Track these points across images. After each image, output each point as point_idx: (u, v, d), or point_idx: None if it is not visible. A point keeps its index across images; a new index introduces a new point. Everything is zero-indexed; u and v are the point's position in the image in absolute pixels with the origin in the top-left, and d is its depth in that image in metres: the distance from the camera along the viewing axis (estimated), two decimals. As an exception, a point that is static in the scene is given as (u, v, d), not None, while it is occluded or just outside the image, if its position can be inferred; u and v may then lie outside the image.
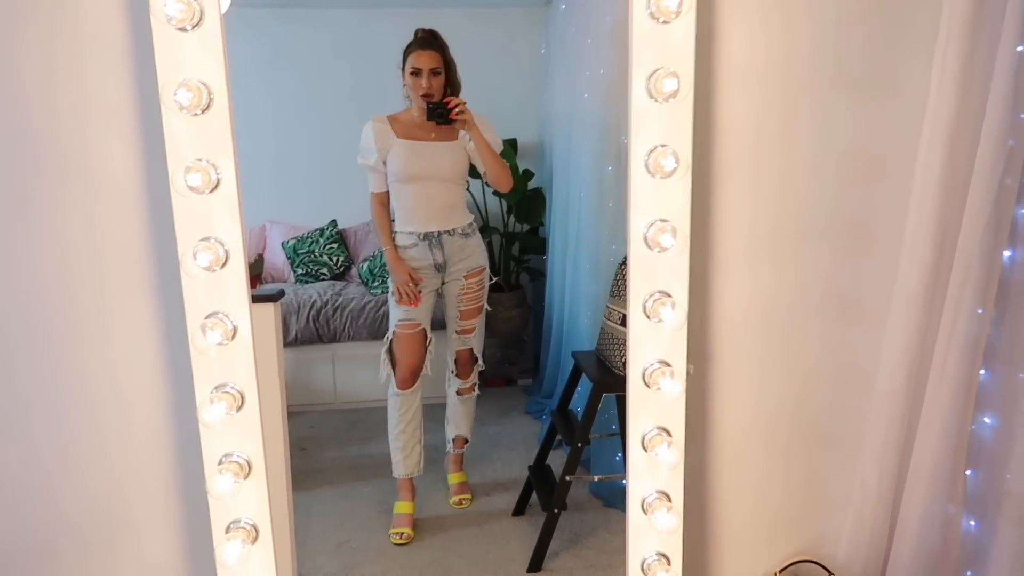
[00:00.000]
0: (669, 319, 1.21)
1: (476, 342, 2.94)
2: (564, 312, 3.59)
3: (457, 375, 2.99)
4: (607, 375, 2.32)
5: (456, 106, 2.46)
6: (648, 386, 1.24)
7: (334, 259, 4.21)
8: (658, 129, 1.18)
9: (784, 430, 1.39)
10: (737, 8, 1.17)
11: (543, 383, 3.83)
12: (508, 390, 4.17)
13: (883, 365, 1.38)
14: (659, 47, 1.16)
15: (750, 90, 1.22)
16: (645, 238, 1.22)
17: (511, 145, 4.25)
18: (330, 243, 4.22)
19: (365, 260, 4.13)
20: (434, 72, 2.57)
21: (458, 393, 3.02)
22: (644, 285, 1.25)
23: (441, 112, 2.43)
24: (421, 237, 2.84)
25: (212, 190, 1.16)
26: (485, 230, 3.96)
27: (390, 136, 2.71)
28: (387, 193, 2.94)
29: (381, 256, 4.10)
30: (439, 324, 3.00)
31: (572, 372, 2.62)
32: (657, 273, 1.25)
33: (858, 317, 1.34)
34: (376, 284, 3.97)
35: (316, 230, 4.30)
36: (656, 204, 1.21)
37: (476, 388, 3.02)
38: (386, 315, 3.88)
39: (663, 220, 1.19)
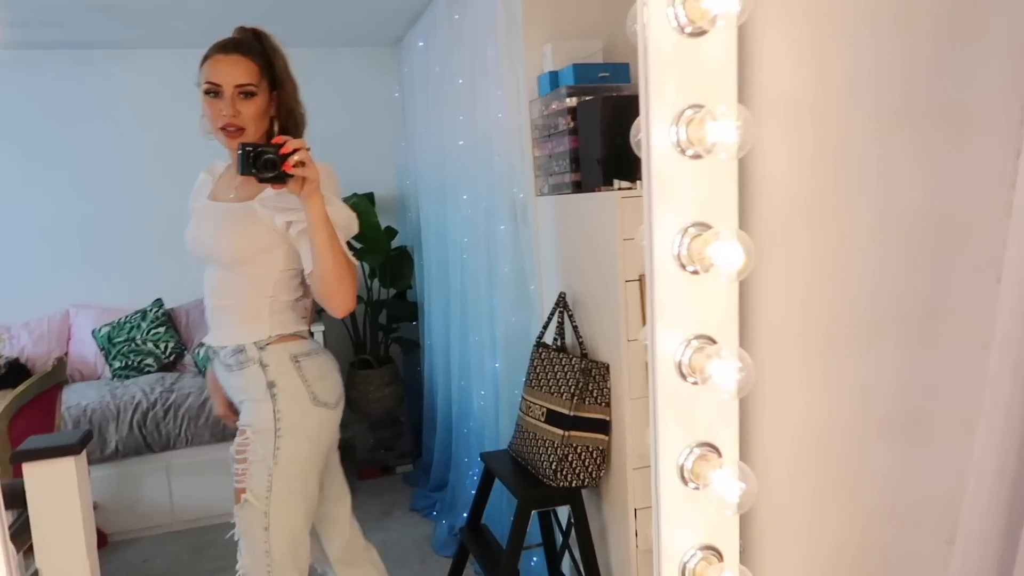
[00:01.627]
0: (719, 484, 0.79)
1: (245, 558, 1.67)
2: (451, 388, 3.10)
3: None
4: (535, 487, 1.86)
5: (293, 151, 1.37)
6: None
7: (161, 346, 3.48)
8: (692, 199, 0.76)
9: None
10: (773, 23, 0.78)
11: (430, 472, 3.31)
12: (386, 481, 3.61)
13: (968, 502, 1.03)
14: (689, 72, 0.74)
15: (794, 135, 0.82)
16: (679, 365, 0.79)
17: (368, 199, 3.73)
18: (155, 327, 3.49)
19: (201, 344, 3.44)
20: (243, 91, 1.54)
21: None
22: (678, 435, 0.81)
23: (270, 161, 1.36)
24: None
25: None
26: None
27: (204, 193, 1.75)
28: None
29: (221, 336, 3.40)
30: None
31: (483, 478, 2.14)
32: (697, 415, 0.81)
33: (931, 436, 0.97)
34: (218, 373, 3.30)
35: (137, 313, 3.55)
36: (692, 312, 0.79)
37: None
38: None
39: (705, 338, 0.78)
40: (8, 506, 1.45)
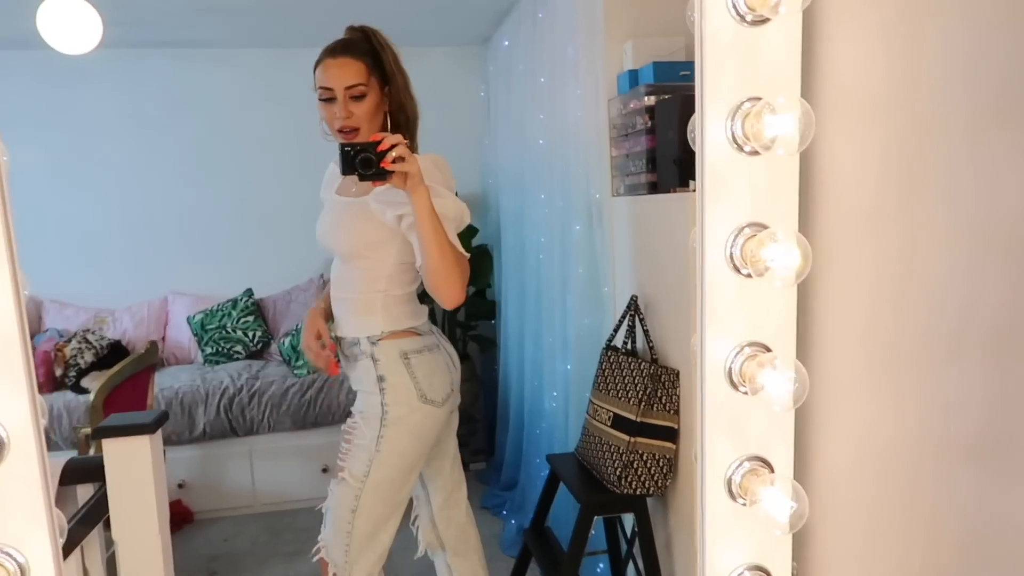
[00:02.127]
0: (769, 501, 0.74)
1: (328, 531, 1.68)
2: (524, 389, 3.10)
3: None
4: (598, 493, 1.83)
5: (391, 147, 1.38)
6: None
7: (250, 335, 3.62)
8: (748, 197, 0.72)
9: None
10: (841, 10, 0.72)
11: (502, 471, 3.31)
12: (458, 477, 3.62)
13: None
14: (748, 63, 0.70)
15: (862, 131, 0.76)
16: (730, 373, 0.75)
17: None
18: (245, 316, 3.64)
19: (287, 335, 3.56)
20: (354, 94, 1.56)
21: None
22: (727, 446, 0.77)
23: (367, 160, 1.38)
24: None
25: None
26: (427, 295, 3.44)
27: (332, 187, 1.73)
28: None
29: (306, 328, 3.49)
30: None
31: (548, 480, 2.12)
32: (748, 428, 0.77)
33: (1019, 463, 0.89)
34: (301, 363, 3.40)
35: (228, 301, 3.71)
36: (745, 318, 0.74)
37: None
38: (312, 400, 3.31)
39: (758, 345, 0.73)
40: (91, 479, 1.54)
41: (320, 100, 1.59)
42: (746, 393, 0.76)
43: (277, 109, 3.67)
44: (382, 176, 1.41)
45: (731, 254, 0.73)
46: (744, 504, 0.78)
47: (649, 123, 1.92)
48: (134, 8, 2.84)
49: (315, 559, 1.72)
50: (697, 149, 0.73)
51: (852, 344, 0.86)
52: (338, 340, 1.72)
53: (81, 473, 1.50)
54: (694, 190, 1.74)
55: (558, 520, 2.30)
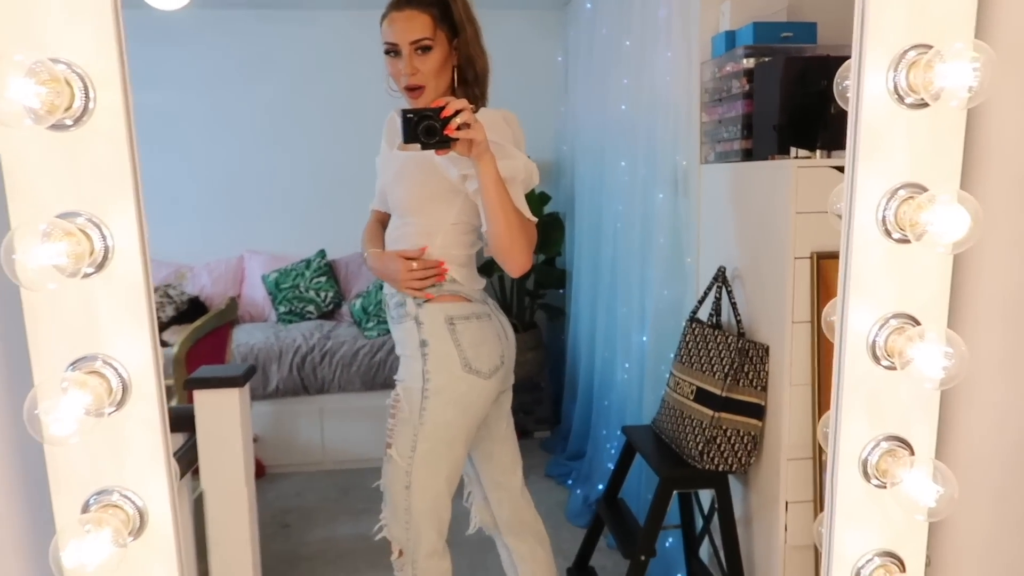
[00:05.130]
0: (911, 485, 0.69)
1: (387, 511, 1.67)
2: (594, 359, 3.05)
3: None
4: (678, 467, 1.78)
5: (455, 113, 1.31)
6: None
7: (322, 295, 3.66)
8: (906, 156, 0.66)
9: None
10: None
11: (568, 441, 3.29)
12: (524, 444, 3.60)
13: None
14: (915, 8, 0.64)
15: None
16: (873, 345, 0.70)
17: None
18: (317, 276, 3.68)
19: (358, 296, 3.59)
20: (419, 47, 1.47)
21: None
22: (864, 423, 0.72)
23: (430, 127, 1.31)
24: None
25: (95, 270, 0.62)
26: (493, 263, 3.43)
27: (393, 142, 1.64)
28: (387, 216, 1.77)
29: (377, 292, 3.53)
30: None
31: (623, 451, 2.08)
32: (889, 406, 0.72)
33: None
34: (371, 325, 3.43)
35: (302, 261, 3.76)
36: (895, 286, 0.69)
37: None
38: (382, 362, 3.34)
39: (905, 317, 0.68)
40: (180, 429, 1.57)
41: (386, 55, 1.52)
42: (890, 368, 0.70)
43: (357, 71, 3.65)
44: (446, 144, 1.34)
45: (883, 217, 0.67)
46: (879, 486, 0.73)
47: (747, 87, 1.83)
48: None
49: (378, 538, 1.68)
50: (851, 103, 0.67)
51: (1000, 322, 0.79)
52: (384, 299, 1.68)
53: (173, 422, 1.53)
54: (795, 158, 1.67)
55: (630, 492, 2.27)
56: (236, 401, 1.46)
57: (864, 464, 0.73)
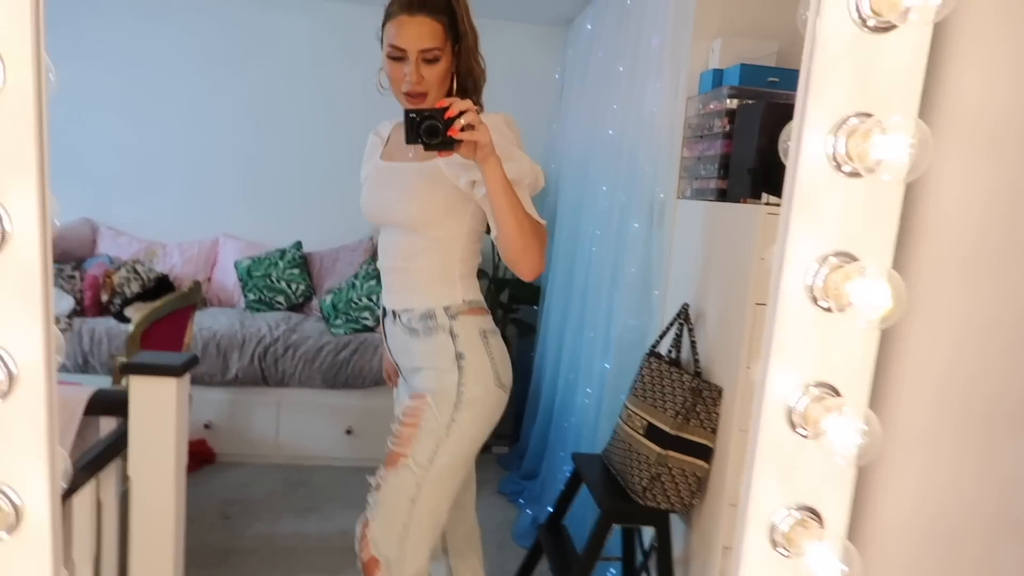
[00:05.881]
0: (816, 559, 0.67)
1: (378, 525, 1.52)
2: (558, 380, 3.04)
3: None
4: (621, 501, 1.76)
5: (459, 114, 1.28)
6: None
7: (293, 287, 3.62)
8: (839, 223, 0.65)
9: None
10: (976, 25, 0.63)
11: (524, 459, 3.26)
12: (481, 458, 3.58)
13: None
14: (862, 74, 0.62)
15: (977, 163, 0.68)
16: (790, 411, 0.68)
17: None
18: (291, 268, 3.64)
19: (329, 292, 3.55)
20: (428, 57, 1.43)
21: None
22: (774, 490, 0.70)
23: (432, 128, 1.29)
24: (384, 312, 1.64)
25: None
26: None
27: (376, 154, 1.63)
28: None
29: (349, 290, 3.48)
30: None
31: (571, 479, 2.06)
32: (802, 473, 0.70)
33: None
34: (339, 322, 3.39)
35: (276, 251, 3.71)
36: (819, 354, 0.67)
37: None
38: (345, 361, 3.30)
39: (827, 387, 0.66)
40: (114, 413, 1.53)
41: (387, 57, 1.45)
42: (805, 436, 0.69)
43: (347, 64, 3.64)
44: (449, 145, 1.30)
45: (812, 283, 0.66)
46: (787, 556, 0.71)
47: (727, 127, 1.83)
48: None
49: (363, 558, 1.54)
50: (789, 162, 0.66)
51: (923, 399, 0.78)
52: (394, 313, 1.58)
53: (107, 405, 1.50)
54: (766, 203, 1.66)
55: (575, 519, 2.25)
56: (173, 391, 1.43)
57: (772, 530, 0.71)
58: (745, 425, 1.69)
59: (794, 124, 0.65)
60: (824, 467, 0.70)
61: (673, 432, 1.74)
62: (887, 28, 0.62)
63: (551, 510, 2.14)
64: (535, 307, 3.79)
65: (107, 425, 1.55)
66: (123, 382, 2.55)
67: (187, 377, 1.49)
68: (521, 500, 3.06)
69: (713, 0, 2.02)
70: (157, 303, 2.51)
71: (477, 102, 1.55)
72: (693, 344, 1.85)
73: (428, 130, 1.29)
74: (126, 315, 3.14)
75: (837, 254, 0.66)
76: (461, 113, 1.28)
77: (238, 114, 3.86)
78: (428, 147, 1.31)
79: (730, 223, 1.78)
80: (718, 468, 1.76)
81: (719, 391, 1.75)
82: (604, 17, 2.95)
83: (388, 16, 1.46)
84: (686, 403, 1.74)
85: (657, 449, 1.75)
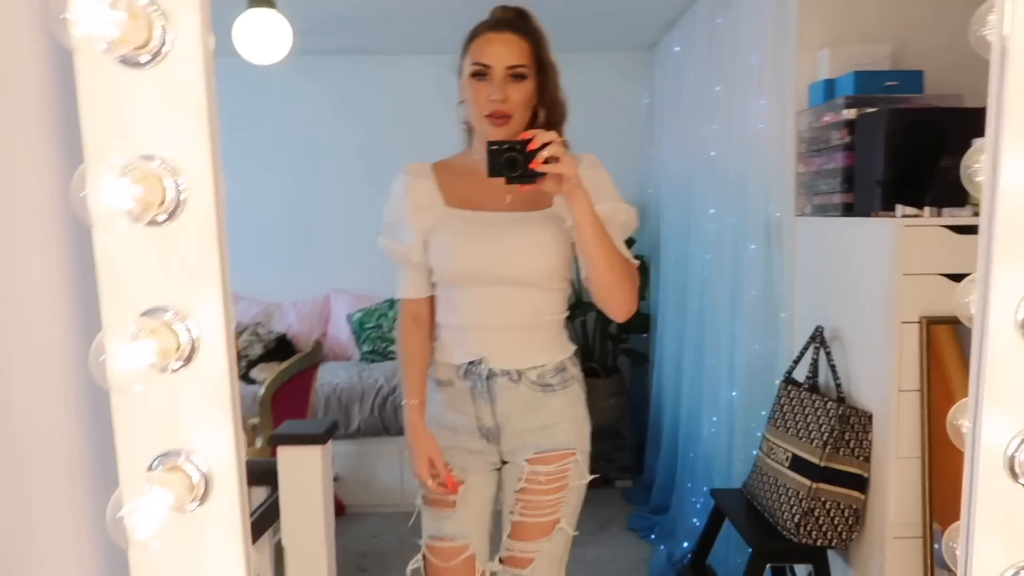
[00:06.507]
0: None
1: None
2: (679, 410, 2.96)
3: None
4: (772, 539, 1.68)
5: (542, 146, 1.21)
6: None
7: (405, 336, 3.69)
8: (1053, 254, 0.59)
9: None
10: None
11: (651, 493, 3.19)
12: (604, 493, 3.54)
13: None
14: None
15: None
16: (1011, 461, 0.62)
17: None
18: (401, 317, 3.71)
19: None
20: (515, 74, 1.35)
21: None
22: (997, 549, 0.64)
23: (512, 160, 1.22)
24: (460, 373, 1.45)
25: (182, 365, 0.62)
26: (577, 306, 3.35)
27: (435, 201, 1.48)
28: (429, 300, 1.56)
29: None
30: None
31: (712, 515, 1.98)
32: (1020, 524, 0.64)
33: None
34: (452, 367, 3.42)
35: (385, 301, 3.80)
36: (1031, 398, 0.61)
37: None
38: (463, 404, 3.32)
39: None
40: (262, 483, 1.58)
41: (471, 77, 1.36)
42: (1029, 487, 0.62)
43: (442, 113, 3.72)
44: (531, 178, 1.23)
45: (1023, 320, 0.60)
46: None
47: (847, 138, 1.75)
48: (314, 18, 2.95)
49: None
50: (986, 190, 0.61)
51: None
52: (517, 373, 1.43)
53: (254, 476, 1.54)
54: (903, 216, 1.57)
55: (718, 557, 2.16)
56: (319, 458, 1.46)
57: (998, 594, 0.64)
58: (904, 452, 1.59)
59: (987, 145, 0.60)
60: (1056, 520, 0.63)
61: (822, 463, 1.65)
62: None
63: (687, 545, 2.07)
64: (644, 335, 3.73)
65: (256, 495, 1.60)
66: (256, 443, 2.66)
67: (330, 444, 1.52)
68: (653, 536, 2.98)
69: (815, 10, 1.96)
70: (283, 365, 2.60)
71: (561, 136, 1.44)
72: (833, 368, 1.76)
73: (508, 162, 1.24)
74: (251, 377, 3.26)
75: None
76: (544, 145, 1.22)
77: (337, 170, 4.00)
78: (510, 180, 1.24)
79: (862, 239, 1.69)
80: (877, 498, 1.66)
81: (868, 416, 1.65)
82: (693, 39, 2.91)
83: (472, 37, 1.40)
84: (833, 431, 1.65)
85: (806, 482, 1.66)
